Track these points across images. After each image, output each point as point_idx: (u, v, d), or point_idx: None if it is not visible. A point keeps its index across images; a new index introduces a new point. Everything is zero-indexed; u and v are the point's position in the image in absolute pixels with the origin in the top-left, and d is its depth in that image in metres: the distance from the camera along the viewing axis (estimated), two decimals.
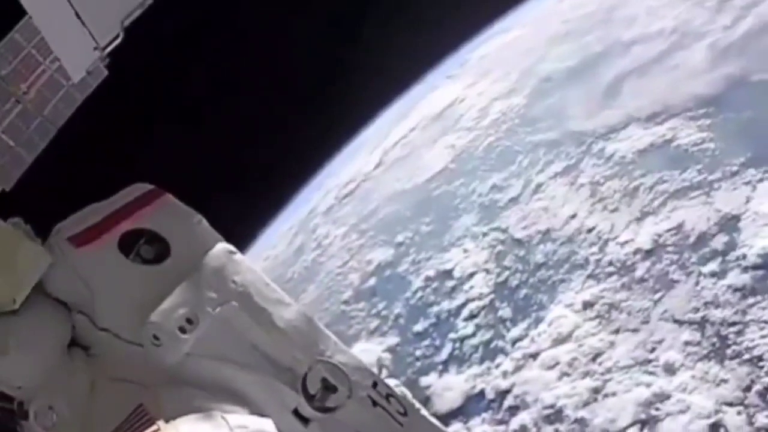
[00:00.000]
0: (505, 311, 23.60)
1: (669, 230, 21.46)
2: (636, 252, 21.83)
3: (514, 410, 20.99)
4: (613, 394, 19.41)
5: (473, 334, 23.64)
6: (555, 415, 20.01)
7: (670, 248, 21.09)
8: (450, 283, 25.85)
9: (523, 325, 22.71)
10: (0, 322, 2.19)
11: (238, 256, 2.57)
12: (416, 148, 34.34)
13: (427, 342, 24.71)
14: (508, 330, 22.97)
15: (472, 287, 25.04)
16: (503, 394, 21.48)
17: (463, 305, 24.69)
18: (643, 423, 18.54)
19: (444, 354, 23.89)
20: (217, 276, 2.45)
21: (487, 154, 30.35)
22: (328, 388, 2.47)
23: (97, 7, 7.16)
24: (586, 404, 19.62)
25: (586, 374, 20.51)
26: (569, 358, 20.97)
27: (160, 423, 2.06)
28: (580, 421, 19.47)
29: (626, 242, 22.29)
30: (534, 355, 21.74)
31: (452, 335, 24.14)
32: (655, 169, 23.25)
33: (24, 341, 2.26)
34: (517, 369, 21.72)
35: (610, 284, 21.73)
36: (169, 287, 2.36)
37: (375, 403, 2.54)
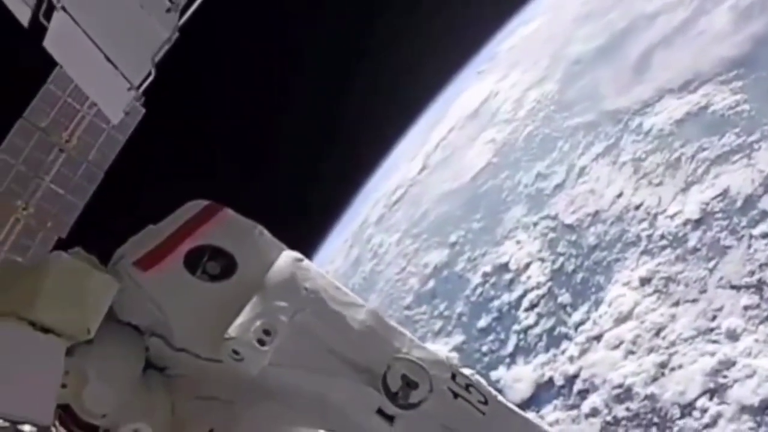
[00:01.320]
0: (564, 297, 23.75)
1: (715, 197, 21.25)
2: (685, 223, 21.58)
3: (584, 394, 21.09)
4: (680, 366, 19.34)
5: (536, 324, 23.90)
6: (625, 394, 20.03)
7: (718, 215, 20.86)
8: (507, 276, 26.15)
9: (583, 309, 22.81)
10: (77, 353, 2.20)
11: (306, 262, 2.55)
12: (457, 148, 34.51)
13: (491, 337, 25.03)
14: (570, 315, 23.11)
15: (529, 277, 25.28)
16: (572, 379, 21.61)
17: (523, 296, 24.95)
18: (712, 392, 18.41)
19: (510, 346, 24.16)
20: (287, 285, 2.42)
21: (528, 144, 30.46)
22: (409, 384, 2.43)
23: (126, 47, 7.30)
24: (654, 380, 19.62)
25: (650, 350, 20.35)
26: (632, 336, 20.97)
27: None
28: (650, 397, 19.43)
29: (675, 214, 22.06)
30: (597, 337, 21.83)
31: (515, 327, 24.40)
32: (694, 137, 23.03)
33: (102, 370, 2.27)
34: (583, 353, 21.85)
35: (664, 258, 21.59)
36: (242, 301, 2.35)
37: (456, 395, 2.50)
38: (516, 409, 2.74)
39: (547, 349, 22.93)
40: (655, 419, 19.28)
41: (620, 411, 20.16)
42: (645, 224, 22.91)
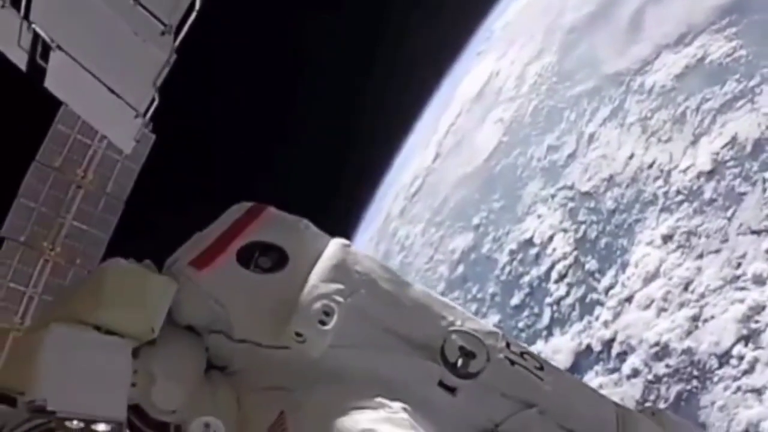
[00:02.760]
0: (591, 264, 23.95)
1: (724, 146, 21.29)
2: (699, 175, 21.66)
3: (622, 356, 21.36)
4: (712, 317, 19.61)
5: (567, 294, 24.14)
6: (662, 351, 20.34)
7: (730, 163, 20.91)
8: (533, 251, 26.39)
9: (611, 273, 23.02)
10: (141, 355, 2.22)
11: (354, 247, 2.57)
12: (467, 132, 34.60)
13: (526, 312, 25.31)
14: (598, 281, 23.32)
15: (554, 249, 25.50)
16: (609, 343, 21.87)
17: (551, 268, 25.18)
18: (746, 338, 18.55)
19: (545, 319, 24.44)
20: (340, 268, 2.41)
21: (535, 119, 30.55)
22: (467, 354, 2.41)
23: (127, 76, 7.31)
24: (688, 333, 19.93)
25: (681, 305, 20.59)
26: (662, 294, 21.23)
27: None
28: (688, 351, 19.76)
29: (687, 168, 22.16)
30: (629, 299, 22.07)
31: (548, 300, 24.68)
32: (696, 89, 23.07)
33: (168, 368, 2.28)
34: (616, 316, 22.10)
35: (682, 212, 21.75)
36: (297, 289, 2.35)
37: (513, 362, 2.48)
38: (569, 374, 2.81)
39: (581, 317, 23.21)
40: (695, 372, 19.50)
41: (660, 368, 20.38)
42: (660, 182, 22.99)
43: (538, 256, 26.10)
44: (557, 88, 30.06)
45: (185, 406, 2.25)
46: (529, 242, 26.76)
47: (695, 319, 20.01)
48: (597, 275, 23.61)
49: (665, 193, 22.69)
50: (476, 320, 2.53)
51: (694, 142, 22.44)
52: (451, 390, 2.36)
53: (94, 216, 14.98)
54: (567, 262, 24.80)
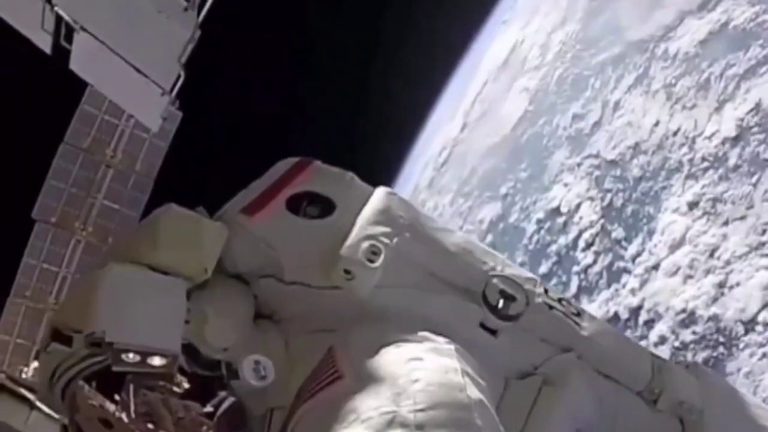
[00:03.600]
0: (618, 232, 24.03)
1: (749, 112, 21.11)
2: (723, 141, 21.55)
3: (650, 324, 21.49)
4: (737, 284, 19.61)
5: (594, 262, 24.28)
6: (689, 318, 20.42)
7: (754, 129, 20.76)
8: (560, 220, 26.52)
9: (638, 241, 23.13)
10: (194, 298, 2.25)
11: (398, 196, 2.55)
12: (494, 101, 34.54)
13: (554, 281, 25.36)
14: (625, 249, 23.41)
15: (581, 218, 25.59)
16: (636, 311, 22.03)
17: (578, 237, 25.29)
18: None
19: (573, 288, 24.54)
20: (385, 213, 2.42)
21: (560, 87, 30.44)
22: (507, 298, 2.41)
23: (151, 54, 7.29)
24: (714, 300, 19.93)
25: (707, 272, 20.60)
26: (688, 261, 21.29)
27: (344, 370, 2.10)
28: (714, 318, 19.78)
29: (712, 135, 22.03)
30: (655, 266, 22.20)
31: (575, 268, 24.83)
32: (720, 55, 22.79)
33: (219, 308, 2.31)
34: (643, 283, 22.23)
35: (708, 179, 21.73)
36: (345, 232, 2.36)
37: (551, 307, 2.48)
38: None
39: (608, 285, 23.37)
40: (721, 339, 19.51)
41: (687, 335, 20.42)
42: (685, 149, 22.88)
43: (565, 224, 26.21)
44: (582, 56, 29.88)
45: (236, 345, 2.27)
46: (556, 211, 26.86)
47: (721, 285, 20.02)
48: (624, 243, 23.68)
49: (690, 160, 22.60)
50: (515, 267, 2.55)
51: (719, 109, 22.26)
52: (493, 332, 2.39)
53: (125, 195, 15.16)
54: (594, 230, 24.90)
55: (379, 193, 2.50)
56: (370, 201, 2.46)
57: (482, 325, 2.37)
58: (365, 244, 2.28)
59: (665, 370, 2.63)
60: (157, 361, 1.97)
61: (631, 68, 26.71)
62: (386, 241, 2.31)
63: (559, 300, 2.51)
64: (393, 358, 2.08)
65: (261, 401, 2.28)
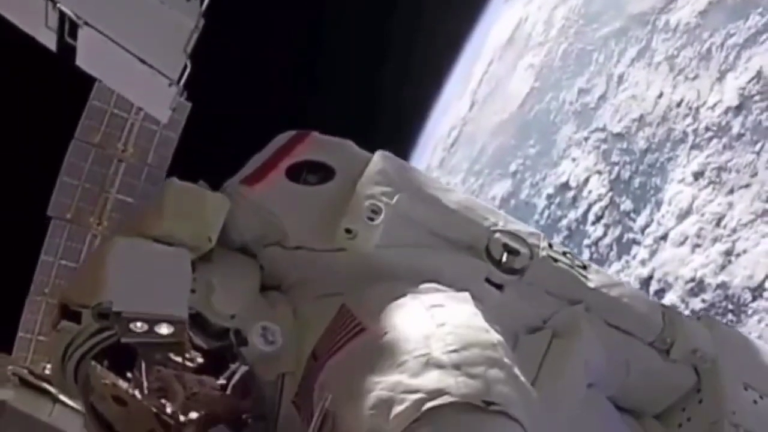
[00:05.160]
0: (626, 204, 24.20)
1: (750, 80, 21.04)
2: (726, 111, 21.51)
3: (660, 293, 21.41)
4: (744, 251, 19.72)
5: (604, 234, 24.48)
6: (698, 287, 20.56)
7: (756, 97, 20.68)
8: (570, 194, 26.72)
9: (646, 212, 23.30)
10: (199, 269, 2.23)
11: (397, 158, 2.60)
12: (500, 79, 34.53)
13: None
14: (634, 221, 23.61)
15: (590, 192, 25.77)
16: (647, 281, 22.06)
17: (588, 210, 25.49)
18: None
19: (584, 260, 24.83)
20: (385, 174, 2.45)
21: (565, 62, 30.47)
22: (511, 252, 2.44)
23: (157, 45, 7.19)
24: (722, 268, 20.07)
25: (715, 240, 20.68)
26: (696, 230, 21.38)
27: (367, 323, 2.07)
28: (722, 286, 19.91)
29: (715, 104, 22.03)
30: (664, 237, 22.34)
31: (586, 241, 24.93)
32: (720, 25, 22.71)
33: (225, 277, 2.29)
34: (652, 254, 22.40)
35: (712, 149, 21.76)
36: (345, 196, 2.38)
37: (555, 260, 2.51)
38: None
39: (619, 257, 23.53)
40: (729, 306, 19.56)
41: (696, 304, 20.43)
42: (689, 119, 22.87)
43: (575, 199, 26.40)
44: (585, 31, 29.85)
45: (244, 312, 2.26)
46: (566, 186, 27.04)
47: (728, 253, 20.11)
48: (632, 215, 23.82)
49: (695, 131, 22.56)
50: (518, 222, 2.59)
51: (721, 79, 22.21)
52: (499, 287, 2.43)
53: (138, 188, 15.01)
54: (603, 203, 25.06)
55: (378, 156, 2.55)
56: (369, 164, 2.50)
57: (488, 281, 2.43)
58: (366, 203, 2.33)
59: (677, 320, 2.72)
60: (164, 329, 1.97)
61: (633, 41, 26.70)
62: (386, 200, 2.36)
63: (564, 253, 2.57)
64: (414, 308, 2.10)
65: (272, 367, 2.27)
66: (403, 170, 2.55)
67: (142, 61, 7.27)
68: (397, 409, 1.79)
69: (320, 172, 2.50)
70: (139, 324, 1.93)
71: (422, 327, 1.99)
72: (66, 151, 14.26)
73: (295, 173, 2.49)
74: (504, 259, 2.43)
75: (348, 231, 2.28)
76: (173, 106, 8.82)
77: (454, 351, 1.88)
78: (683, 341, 2.67)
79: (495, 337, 2.01)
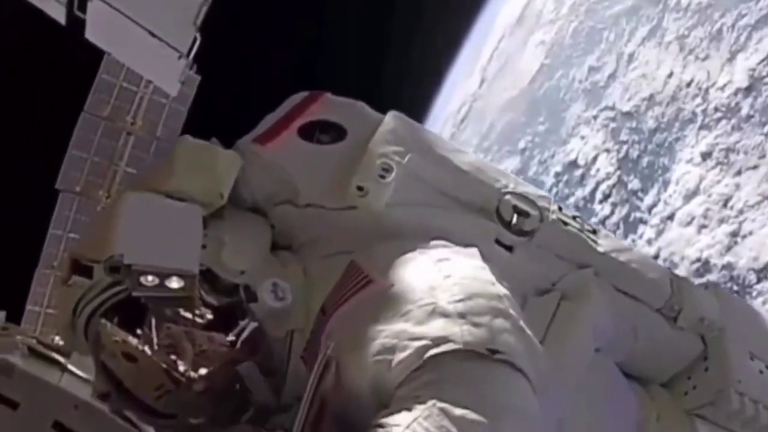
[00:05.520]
0: (634, 183, 24.28)
1: (761, 62, 20.99)
2: (736, 92, 21.46)
3: None
4: (750, 233, 19.81)
5: (612, 213, 24.57)
6: (703, 267, 20.62)
7: (766, 79, 20.69)
8: (578, 172, 26.79)
9: (653, 192, 23.36)
10: (210, 225, 2.23)
11: (409, 119, 2.59)
12: (510, 56, 34.40)
13: None
14: (641, 200, 23.68)
15: (598, 170, 25.82)
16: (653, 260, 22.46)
17: (595, 189, 25.57)
18: None
19: None
20: (396, 133, 2.46)
21: (575, 40, 30.31)
22: (521, 213, 2.47)
23: (166, 18, 7.27)
24: (728, 249, 20.17)
25: (721, 221, 20.74)
26: (703, 210, 21.44)
27: (374, 275, 2.07)
28: (727, 267, 19.97)
29: (725, 85, 21.98)
30: (670, 216, 22.40)
31: (594, 220, 24.39)
32: (732, 5, 22.62)
33: (237, 233, 2.30)
34: (659, 233, 22.48)
35: (721, 129, 21.73)
36: (357, 155, 2.40)
37: (565, 224, 2.55)
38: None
39: (626, 236, 23.23)
40: (735, 287, 19.49)
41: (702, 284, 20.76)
42: (698, 99, 22.81)
43: (582, 177, 26.44)
44: (596, 9, 29.64)
45: (254, 268, 2.28)
46: (574, 164, 27.09)
47: (734, 234, 20.20)
48: (640, 194, 23.86)
49: (704, 111, 22.48)
50: (528, 185, 2.64)
51: (731, 59, 22.15)
52: (508, 248, 2.46)
53: (147, 161, 15.19)
54: (611, 182, 25.11)
55: (390, 116, 2.57)
56: (381, 124, 2.52)
57: (498, 242, 2.47)
58: (377, 162, 2.34)
59: (685, 288, 2.76)
60: (175, 283, 1.99)
61: (644, 20, 26.53)
62: (397, 158, 2.39)
63: (574, 217, 2.61)
64: (421, 261, 2.13)
65: (281, 324, 2.28)
66: (415, 131, 2.58)
67: (152, 34, 7.30)
68: (400, 355, 1.83)
69: (332, 132, 2.52)
70: (150, 277, 1.96)
71: (429, 278, 2.03)
72: (75, 125, 14.35)
73: (308, 132, 2.52)
74: (514, 220, 2.47)
75: (359, 188, 2.31)
76: (182, 79, 8.96)
77: (460, 300, 1.92)
78: (691, 309, 2.71)
79: (501, 289, 2.05)
